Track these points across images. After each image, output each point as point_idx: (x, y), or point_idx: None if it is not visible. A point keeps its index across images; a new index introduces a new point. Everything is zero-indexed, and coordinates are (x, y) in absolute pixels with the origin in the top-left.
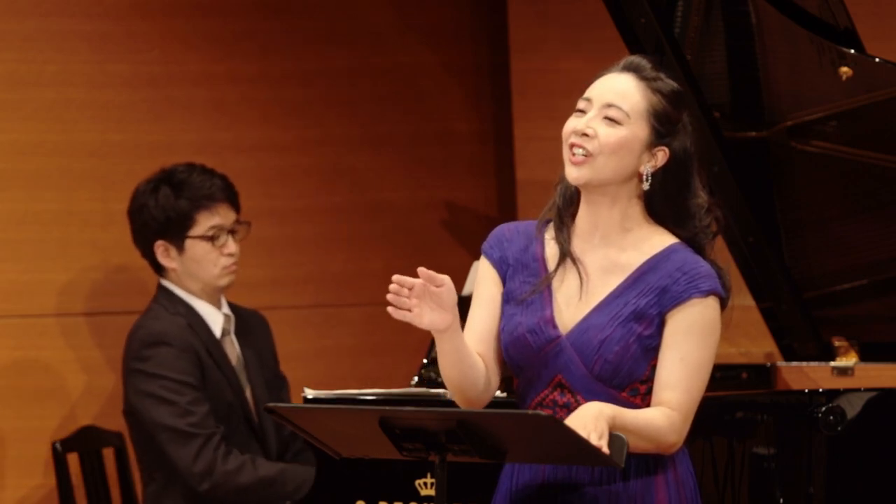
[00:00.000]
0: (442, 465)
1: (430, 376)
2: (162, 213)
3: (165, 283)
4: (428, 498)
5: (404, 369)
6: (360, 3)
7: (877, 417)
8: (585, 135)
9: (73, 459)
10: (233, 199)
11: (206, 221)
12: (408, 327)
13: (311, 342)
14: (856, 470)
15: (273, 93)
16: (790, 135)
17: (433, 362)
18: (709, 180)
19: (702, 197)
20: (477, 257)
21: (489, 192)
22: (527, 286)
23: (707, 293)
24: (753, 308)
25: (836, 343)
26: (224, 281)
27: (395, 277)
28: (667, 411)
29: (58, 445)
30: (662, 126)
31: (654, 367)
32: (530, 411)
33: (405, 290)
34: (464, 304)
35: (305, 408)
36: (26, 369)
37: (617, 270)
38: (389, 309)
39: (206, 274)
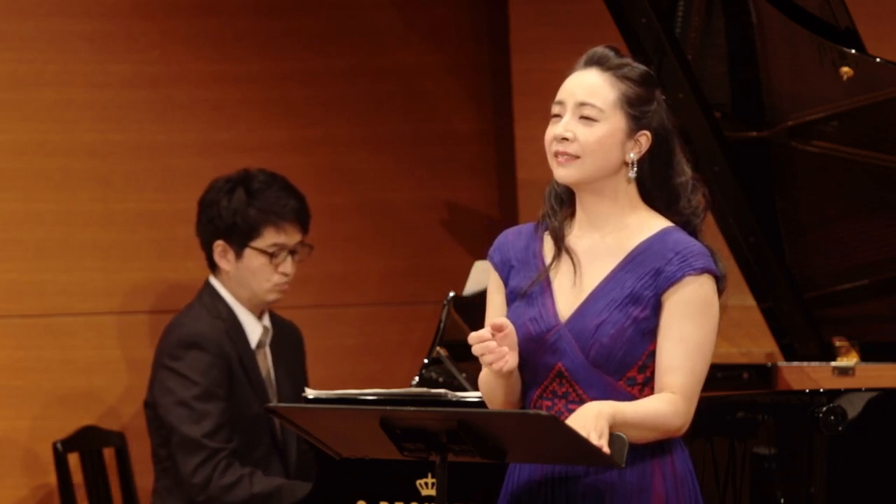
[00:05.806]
0: (442, 465)
1: (431, 376)
2: (231, 215)
3: (214, 282)
4: (429, 498)
5: (405, 369)
6: (360, 3)
7: (878, 417)
8: (566, 139)
9: (73, 459)
10: (303, 221)
11: (270, 237)
12: (408, 327)
13: (311, 342)
14: (857, 470)
15: (273, 93)
16: (791, 135)
17: (434, 362)
18: (709, 180)
19: (686, 173)
20: (477, 257)
21: (489, 192)
22: (528, 282)
23: (701, 271)
24: (754, 308)
25: (837, 343)
26: (272, 297)
27: (473, 337)
28: (669, 396)
29: (58, 445)
30: (638, 111)
31: (651, 354)
32: (531, 411)
33: (492, 344)
34: (464, 304)
35: (306, 408)
36: (26, 369)
37: (610, 255)
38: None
39: (256, 286)
